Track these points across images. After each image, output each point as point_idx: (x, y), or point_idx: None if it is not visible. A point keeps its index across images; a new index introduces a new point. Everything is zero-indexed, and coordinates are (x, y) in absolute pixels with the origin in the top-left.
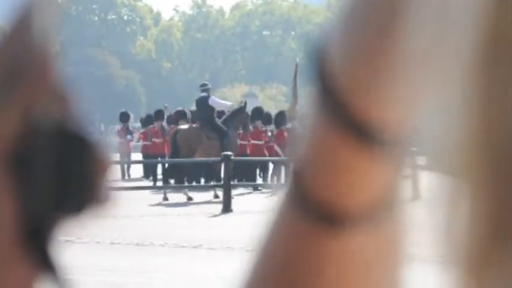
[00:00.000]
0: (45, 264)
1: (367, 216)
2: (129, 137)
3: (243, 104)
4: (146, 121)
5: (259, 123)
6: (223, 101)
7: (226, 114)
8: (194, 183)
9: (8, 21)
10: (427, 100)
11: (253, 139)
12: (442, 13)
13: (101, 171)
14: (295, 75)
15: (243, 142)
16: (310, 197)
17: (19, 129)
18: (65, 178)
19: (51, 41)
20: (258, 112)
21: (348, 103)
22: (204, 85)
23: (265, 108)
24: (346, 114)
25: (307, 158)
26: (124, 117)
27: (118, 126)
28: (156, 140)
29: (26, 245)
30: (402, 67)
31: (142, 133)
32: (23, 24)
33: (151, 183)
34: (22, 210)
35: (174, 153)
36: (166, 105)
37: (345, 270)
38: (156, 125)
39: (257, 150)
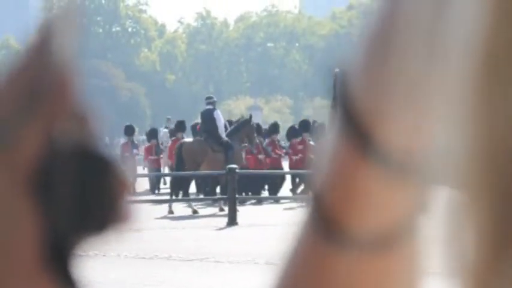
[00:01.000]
0: (67, 282)
1: (386, 241)
2: (134, 151)
3: (248, 117)
4: (151, 134)
5: (274, 136)
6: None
7: (232, 127)
8: (200, 196)
9: (27, 42)
10: (437, 122)
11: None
12: (438, 37)
13: (121, 190)
14: (334, 86)
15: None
16: (330, 219)
17: (40, 150)
18: (86, 197)
19: (71, 61)
20: (274, 127)
21: (369, 132)
22: (209, 98)
23: (271, 121)
24: (366, 142)
25: (328, 181)
26: (129, 131)
27: (123, 140)
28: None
29: (48, 263)
30: (414, 96)
31: (147, 148)
32: (42, 45)
33: (156, 197)
34: (44, 229)
35: (179, 166)
36: (169, 117)
37: None
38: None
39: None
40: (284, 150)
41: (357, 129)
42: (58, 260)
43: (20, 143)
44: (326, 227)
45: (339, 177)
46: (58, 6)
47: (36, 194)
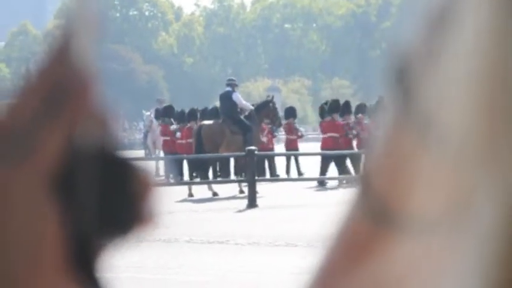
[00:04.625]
0: (91, 285)
1: (438, 225)
2: (178, 134)
3: (269, 98)
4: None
5: (291, 120)
6: (246, 101)
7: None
8: (219, 179)
9: (48, 44)
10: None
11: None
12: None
13: (144, 193)
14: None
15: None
16: (380, 201)
17: (62, 153)
18: (108, 200)
19: (92, 64)
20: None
21: (428, 114)
22: (230, 80)
23: (289, 102)
24: (424, 124)
25: (380, 162)
26: (168, 112)
27: (155, 122)
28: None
29: (73, 267)
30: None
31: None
32: (63, 47)
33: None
34: (68, 233)
35: (199, 149)
36: (159, 97)
37: (405, 276)
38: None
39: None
40: (300, 133)
41: (415, 111)
42: (82, 264)
43: (41, 147)
44: (376, 209)
45: (391, 158)
46: (79, 8)
47: (59, 197)
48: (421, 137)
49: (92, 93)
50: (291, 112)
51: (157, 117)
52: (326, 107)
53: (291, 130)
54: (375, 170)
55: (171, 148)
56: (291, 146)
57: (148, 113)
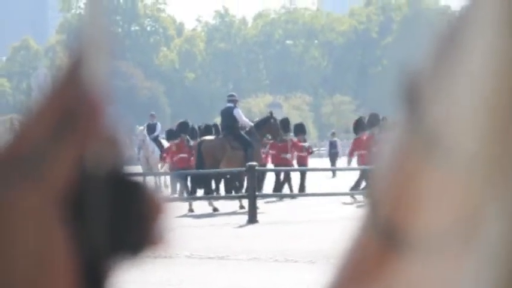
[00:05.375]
0: None
1: (448, 243)
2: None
3: (269, 114)
4: (169, 135)
5: (300, 137)
6: (246, 119)
7: (252, 124)
8: (221, 194)
9: (62, 63)
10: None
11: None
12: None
13: (155, 213)
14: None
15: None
16: (390, 218)
17: (72, 174)
18: (119, 221)
19: (103, 84)
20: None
21: (436, 133)
22: (231, 96)
23: (291, 118)
24: (433, 143)
25: (389, 180)
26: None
27: (148, 139)
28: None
29: (82, 286)
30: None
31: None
32: (74, 69)
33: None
34: (77, 254)
35: (199, 164)
36: (153, 113)
37: None
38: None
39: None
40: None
41: (423, 130)
42: (93, 282)
43: (52, 168)
44: (384, 227)
45: (401, 176)
46: (89, 28)
47: (70, 218)
48: (429, 155)
49: (102, 115)
50: (300, 128)
51: (169, 136)
52: (365, 121)
53: (299, 147)
54: (382, 188)
55: (188, 164)
56: (301, 162)
57: (141, 127)
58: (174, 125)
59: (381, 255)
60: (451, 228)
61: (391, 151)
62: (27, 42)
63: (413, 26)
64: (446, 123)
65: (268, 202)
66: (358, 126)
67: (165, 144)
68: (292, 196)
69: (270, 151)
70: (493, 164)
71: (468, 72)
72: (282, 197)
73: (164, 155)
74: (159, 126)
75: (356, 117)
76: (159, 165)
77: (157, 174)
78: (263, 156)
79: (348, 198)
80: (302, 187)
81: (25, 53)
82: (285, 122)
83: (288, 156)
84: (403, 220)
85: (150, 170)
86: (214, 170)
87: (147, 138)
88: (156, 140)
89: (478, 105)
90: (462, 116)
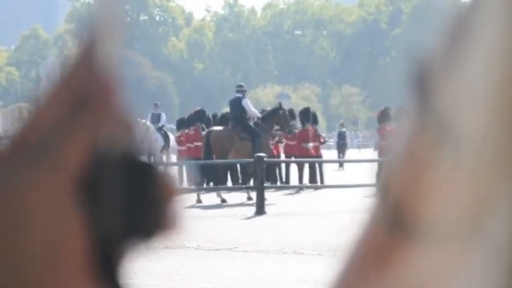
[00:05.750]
0: None
1: (457, 233)
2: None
3: (278, 105)
4: (179, 124)
5: (309, 125)
6: (255, 109)
7: (261, 115)
8: (228, 185)
9: (73, 49)
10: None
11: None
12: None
13: (168, 198)
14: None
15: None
16: (400, 208)
17: (86, 156)
18: (132, 205)
19: (115, 68)
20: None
21: (448, 121)
22: (239, 86)
23: (299, 109)
24: (444, 131)
25: (400, 169)
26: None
27: (152, 128)
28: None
29: (95, 271)
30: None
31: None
32: (87, 52)
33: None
34: (92, 236)
35: (207, 155)
36: (156, 102)
37: (422, 284)
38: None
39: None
40: (322, 139)
41: (433, 118)
42: (106, 267)
43: (65, 150)
44: (393, 216)
45: (411, 165)
46: (102, 12)
47: (83, 201)
48: (439, 144)
49: (115, 99)
50: (313, 118)
51: (180, 125)
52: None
53: (313, 136)
54: (392, 177)
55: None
56: (316, 152)
57: (143, 121)
58: (184, 115)
59: (390, 244)
60: (460, 218)
61: (401, 140)
62: (36, 31)
63: (422, 16)
64: (456, 111)
65: (287, 194)
66: (383, 116)
67: (170, 135)
68: (316, 188)
69: (289, 142)
70: (502, 154)
71: (478, 60)
72: (301, 188)
73: (177, 142)
74: (163, 116)
75: (365, 109)
76: (164, 156)
77: (166, 164)
78: (273, 146)
79: (366, 190)
80: (321, 178)
81: (34, 42)
82: (292, 112)
83: (310, 145)
84: (413, 208)
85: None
86: (222, 160)
87: (151, 127)
88: (160, 130)
89: (488, 93)
90: (472, 104)
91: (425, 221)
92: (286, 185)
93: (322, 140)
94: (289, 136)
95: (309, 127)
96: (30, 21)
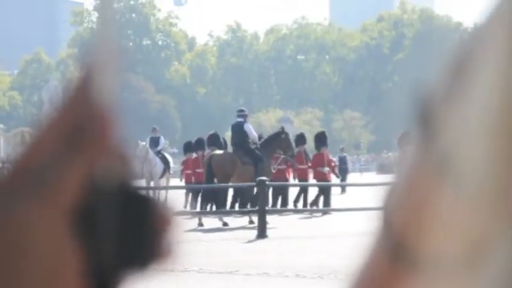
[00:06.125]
0: None
1: (457, 264)
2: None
3: (280, 129)
4: (186, 148)
5: (301, 147)
6: (255, 133)
7: (262, 139)
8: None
9: (70, 82)
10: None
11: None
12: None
13: (163, 227)
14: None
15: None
16: (401, 239)
17: (82, 188)
18: (127, 234)
19: (112, 99)
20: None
21: (449, 152)
22: (241, 111)
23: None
24: (445, 162)
25: (401, 200)
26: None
27: (151, 152)
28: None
29: None
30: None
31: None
32: (84, 83)
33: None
34: (88, 267)
35: (209, 179)
36: (155, 126)
37: None
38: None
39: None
40: (333, 163)
41: (435, 151)
42: None
43: (62, 182)
44: (395, 246)
45: (412, 199)
46: (98, 43)
47: (79, 232)
48: (440, 177)
49: (112, 130)
50: (301, 140)
51: (187, 148)
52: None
53: (301, 159)
54: (394, 207)
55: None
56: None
57: (143, 143)
58: (188, 139)
59: (392, 275)
60: (460, 252)
61: (403, 170)
62: (39, 55)
63: (425, 42)
64: (457, 145)
65: (302, 218)
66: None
67: (169, 158)
68: (324, 212)
69: (301, 166)
70: (502, 190)
71: (480, 95)
72: (312, 211)
73: (182, 167)
74: (162, 140)
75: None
76: (164, 179)
77: (168, 189)
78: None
79: (369, 214)
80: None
81: (37, 66)
82: (302, 136)
83: (326, 170)
84: (414, 242)
85: (154, 184)
86: (224, 184)
87: (150, 152)
88: (159, 154)
89: (489, 129)
90: (473, 140)
91: (425, 255)
92: (288, 208)
93: (333, 165)
94: (305, 160)
95: (325, 151)
96: (33, 45)
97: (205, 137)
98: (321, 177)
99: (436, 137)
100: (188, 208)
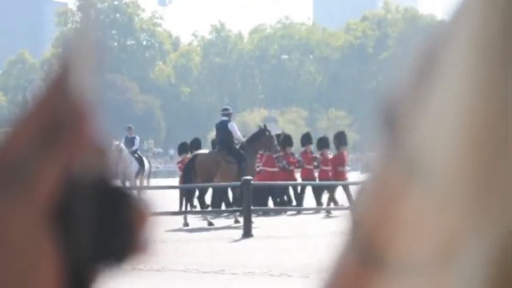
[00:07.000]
0: None
1: (428, 266)
2: None
3: (262, 127)
4: (181, 149)
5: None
6: (239, 133)
7: (246, 138)
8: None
9: (46, 75)
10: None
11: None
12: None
13: (140, 222)
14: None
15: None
16: (371, 241)
17: (59, 183)
18: (105, 230)
19: (90, 95)
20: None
21: (417, 156)
22: (225, 109)
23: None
24: (413, 166)
25: (371, 202)
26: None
27: (127, 152)
28: None
29: None
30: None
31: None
32: (61, 78)
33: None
34: (64, 263)
35: (187, 178)
36: (130, 125)
37: None
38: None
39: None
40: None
41: (403, 153)
42: None
43: (38, 178)
44: (364, 248)
45: (381, 200)
46: (76, 40)
47: (56, 227)
48: (409, 178)
49: (89, 125)
50: (307, 139)
51: (182, 149)
52: None
53: (308, 159)
54: (364, 208)
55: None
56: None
57: (117, 143)
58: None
59: (360, 276)
60: (430, 252)
61: (372, 173)
62: (23, 55)
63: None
64: (425, 147)
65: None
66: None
67: (145, 159)
68: (317, 210)
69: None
70: (472, 188)
71: (446, 95)
72: (274, 211)
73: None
74: (137, 140)
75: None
76: (137, 180)
77: (150, 188)
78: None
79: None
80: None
81: (21, 67)
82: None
83: (346, 169)
84: (383, 243)
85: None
86: (208, 183)
87: (124, 151)
88: (134, 154)
89: (456, 128)
90: (441, 139)
91: (395, 255)
92: (273, 208)
93: (315, 164)
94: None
95: (344, 151)
96: (17, 46)
97: (188, 141)
98: (340, 177)
99: (403, 138)
100: (183, 208)
